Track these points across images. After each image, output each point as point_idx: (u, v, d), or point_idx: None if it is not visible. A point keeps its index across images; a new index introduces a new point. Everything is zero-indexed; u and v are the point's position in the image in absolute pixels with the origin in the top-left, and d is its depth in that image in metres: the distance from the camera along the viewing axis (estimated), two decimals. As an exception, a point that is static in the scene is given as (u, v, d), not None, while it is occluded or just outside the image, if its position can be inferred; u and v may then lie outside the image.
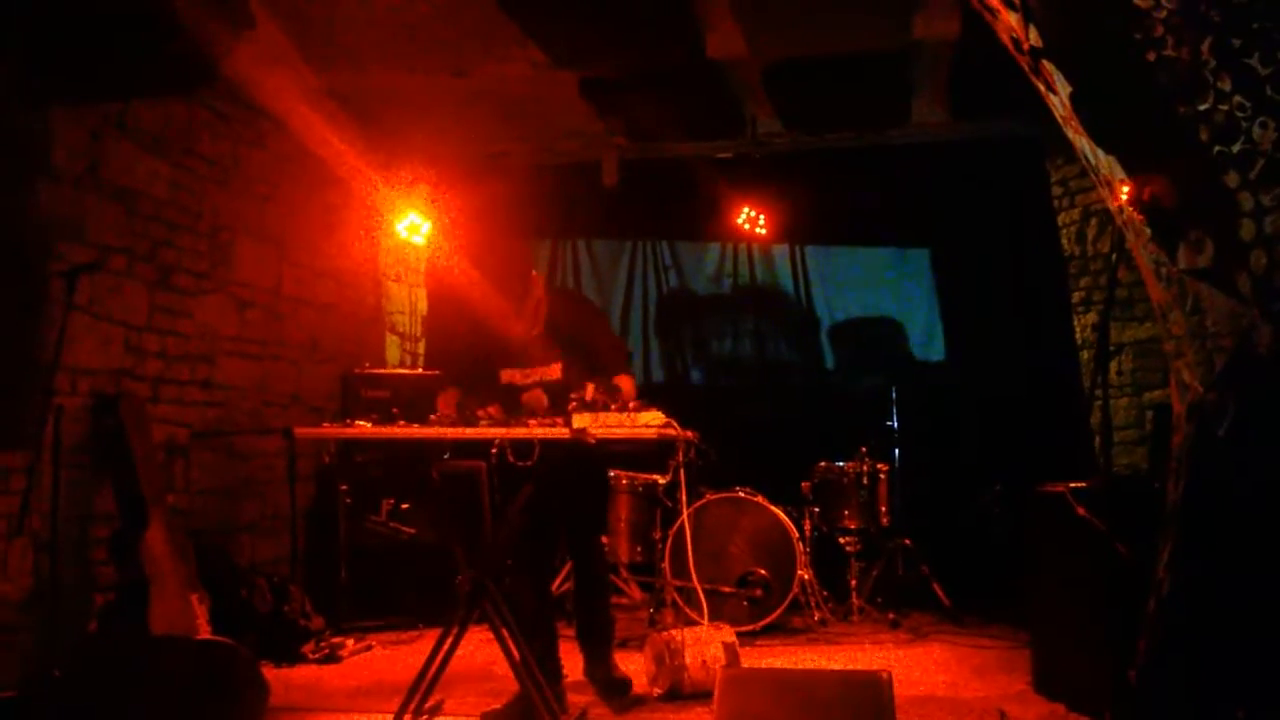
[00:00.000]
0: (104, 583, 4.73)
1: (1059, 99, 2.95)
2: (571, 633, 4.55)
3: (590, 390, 3.77)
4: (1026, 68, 3.03)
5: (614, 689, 4.37)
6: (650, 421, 3.55)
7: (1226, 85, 2.57)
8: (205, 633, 4.67)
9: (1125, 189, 2.88)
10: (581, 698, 4.33)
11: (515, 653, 3.66)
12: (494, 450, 3.57)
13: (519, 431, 3.57)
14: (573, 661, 4.47)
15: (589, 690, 4.41)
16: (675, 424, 3.60)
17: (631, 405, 3.69)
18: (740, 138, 6.57)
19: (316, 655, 5.17)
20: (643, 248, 8.91)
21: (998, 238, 7.44)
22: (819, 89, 5.99)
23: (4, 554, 4.27)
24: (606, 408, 3.66)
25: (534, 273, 4.40)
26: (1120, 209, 2.94)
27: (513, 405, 4.02)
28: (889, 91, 6.04)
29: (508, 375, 4.25)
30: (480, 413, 3.83)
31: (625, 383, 4.10)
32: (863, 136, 6.55)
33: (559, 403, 3.90)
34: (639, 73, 5.84)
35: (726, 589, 5.60)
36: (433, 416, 3.86)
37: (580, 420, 3.51)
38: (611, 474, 5.92)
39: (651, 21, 5.11)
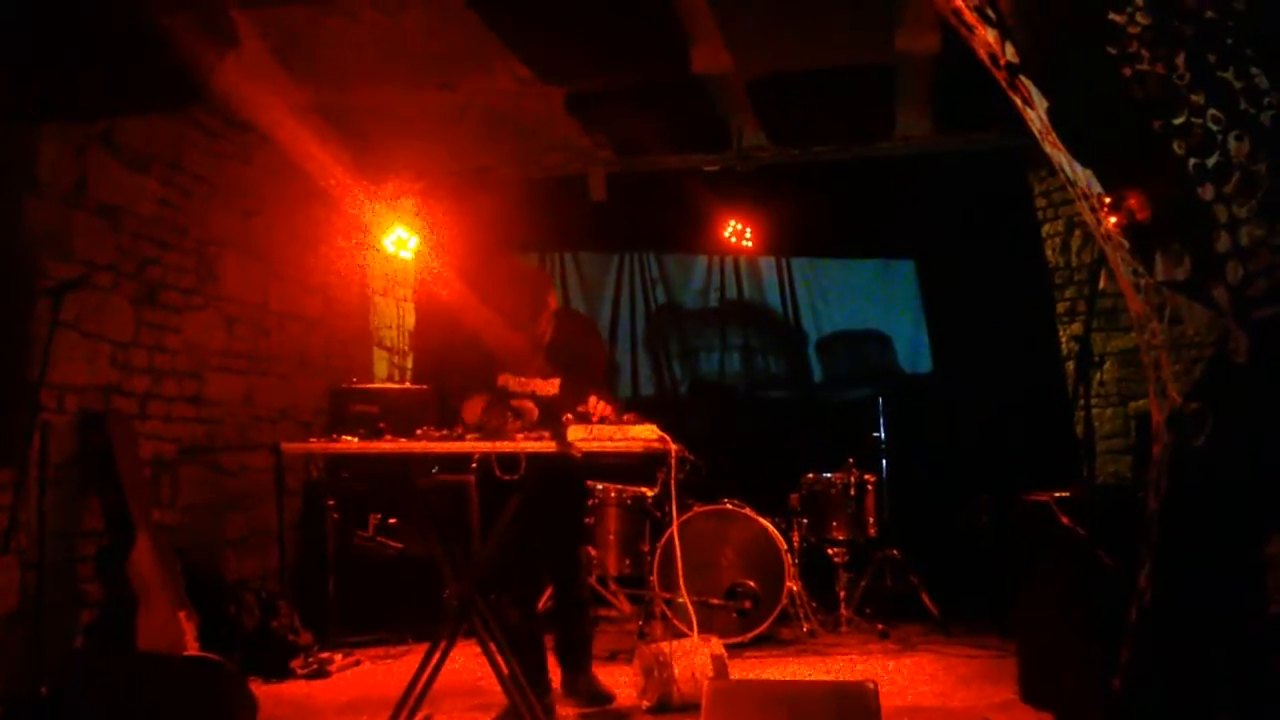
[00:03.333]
0: (90, 599, 4.71)
1: (1036, 114, 2.98)
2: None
3: (595, 407, 3.79)
4: (1004, 83, 3.06)
5: (596, 702, 4.39)
6: (643, 434, 3.56)
7: (1201, 99, 2.60)
8: (193, 649, 4.66)
9: (1104, 202, 2.91)
10: (569, 711, 4.34)
11: (503, 667, 3.67)
12: (474, 464, 3.58)
13: (505, 445, 3.58)
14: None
15: (564, 704, 4.41)
16: (668, 438, 3.62)
17: (626, 418, 3.72)
18: (726, 151, 6.59)
19: (305, 671, 5.16)
20: (630, 261, 8.95)
21: (983, 249, 7.48)
22: (804, 102, 6.02)
23: (-10, 571, 4.26)
24: (605, 420, 3.69)
25: (551, 293, 4.43)
26: (1098, 222, 2.97)
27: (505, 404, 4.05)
28: (873, 105, 6.07)
29: (503, 379, 4.28)
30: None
31: (594, 402, 4.02)
32: (848, 149, 6.58)
33: (547, 419, 3.92)
34: (625, 87, 5.87)
35: (715, 601, 5.61)
36: (460, 429, 3.89)
37: (572, 433, 3.52)
38: (600, 487, 5.93)
39: (636, 37, 5.14)
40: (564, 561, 4.49)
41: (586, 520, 5.65)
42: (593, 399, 3.87)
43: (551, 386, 4.27)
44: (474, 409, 4.10)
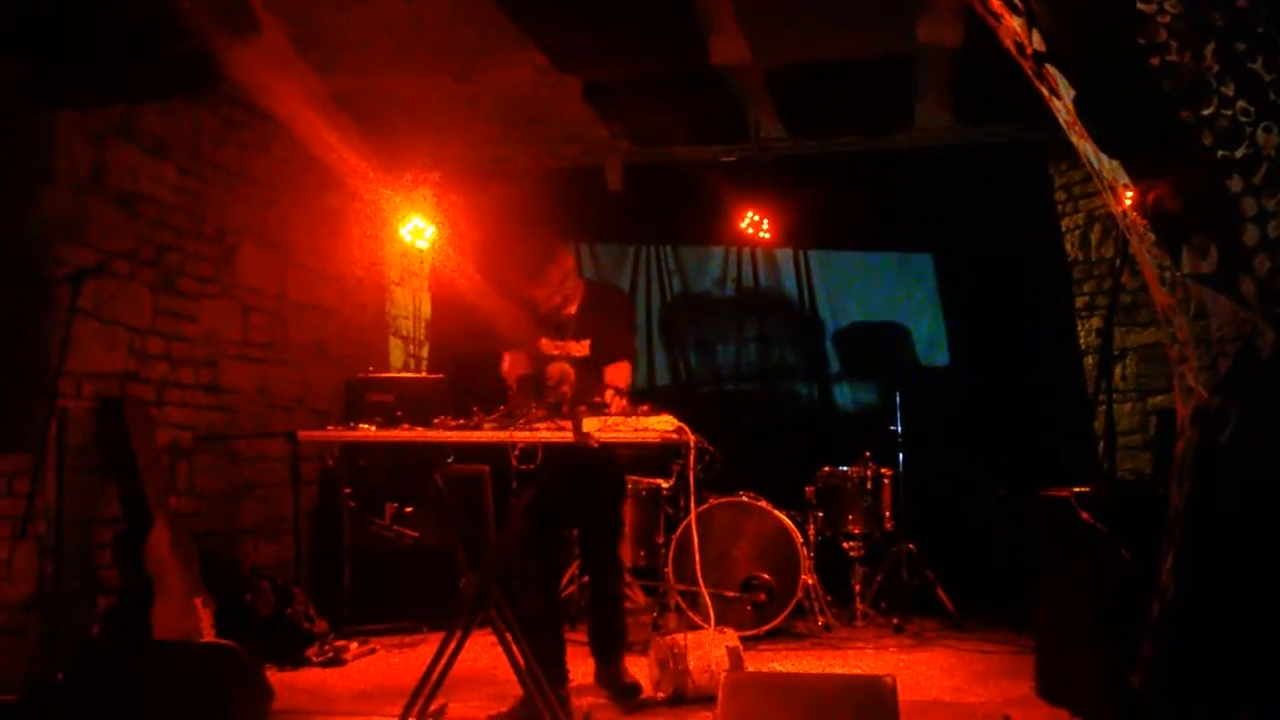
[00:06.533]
0: (107, 586, 4.73)
1: (1062, 104, 2.94)
2: (577, 637, 4.55)
3: (613, 400, 3.80)
4: (1030, 72, 3.02)
5: (624, 693, 4.39)
6: (660, 426, 3.55)
7: (1230, 90, 2.57)
8: (209, 636, 4.67)
9: (1129, 194, 2.88)
10: (585, 701, 4.34)
11: (519, 657, 3.66)
12: (516, 452, 3.60)
13: (522, 435, 3.57)
14: (580, 666, 4.48)
15: (594, 693, 4.41)
16: (686, 428, 3.60)
17: (642, 409, 3.70)
18: (744, 142, 6.56)
19: (320, 659, 5.17)
20: (646, 252, 8.91)
21: (1001, 242, 7.43)
22: (823, 94, 5.98)
23: (8, 557, 4.28)
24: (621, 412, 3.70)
25: (561, 248, 4.44)
26: (1124, 213, 2.94)
27: (540, 373, 4.17)
28: (893, 96, 6.03)
29: (543, 343, 4.35)
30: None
31: (610, 394, 4.00)
32: (866, 141, 6.53)
33: (581, 379, 3.93)
34: (643, 77, 5.84)
35: (730, 593, 5.60)
36: (505, 367, 4.14)
37: (588, 424, 3.51)
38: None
39: (655, 26, 5.11)
40: (599, 557, 4.49)
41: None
42: (609, 391, 3.86)
43: (583, 348, 4.30)
44: (516, 365, 4.27)
